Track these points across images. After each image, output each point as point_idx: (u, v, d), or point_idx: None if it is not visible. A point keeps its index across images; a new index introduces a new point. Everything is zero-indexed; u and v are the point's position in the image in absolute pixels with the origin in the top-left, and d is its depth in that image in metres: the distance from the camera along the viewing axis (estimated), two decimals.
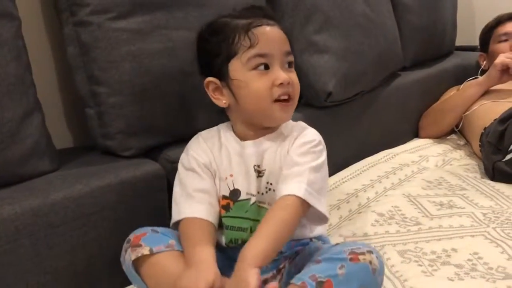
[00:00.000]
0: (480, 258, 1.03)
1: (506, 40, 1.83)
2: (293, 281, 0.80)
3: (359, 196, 1.35)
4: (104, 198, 1.01)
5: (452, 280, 0.96)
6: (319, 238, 1.00)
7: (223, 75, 0.92)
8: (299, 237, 0.96)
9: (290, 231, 0.86)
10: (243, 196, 0.94)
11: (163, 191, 1.09)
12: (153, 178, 1.08)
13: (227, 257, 0.95)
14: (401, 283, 0.97)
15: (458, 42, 2.20)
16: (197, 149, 0.97)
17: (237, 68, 0.90)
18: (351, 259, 0.81)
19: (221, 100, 0.95)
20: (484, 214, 1.20)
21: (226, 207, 0.94)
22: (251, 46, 0.89)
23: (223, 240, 0.95)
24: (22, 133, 0.97)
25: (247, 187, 0.94)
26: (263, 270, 0.88)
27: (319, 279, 0.78)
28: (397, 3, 1.83)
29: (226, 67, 0.91)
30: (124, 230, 1.03)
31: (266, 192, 0.94)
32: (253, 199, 0.94)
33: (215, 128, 1.01)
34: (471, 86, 1.75)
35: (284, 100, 0.91)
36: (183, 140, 1.16)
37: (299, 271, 0.87)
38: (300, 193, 0.86)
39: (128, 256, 0.88)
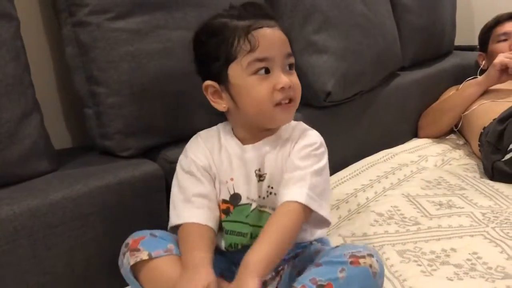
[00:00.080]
0: (479, 258, 1.03)
1: (505, 40, 1.83)
2: (294, 284, 0.80)
3: (358, 196, 1.35)
4: (102, 198, 1.01)
5: (451, 280, 0.96)
6: (319, 240, 1.00)
7: (222, 79, 0.90)
8: (299, 241, 0.96)
9: (293, 238, 0.85)
10: (243, 200, 0.93)
11: (161, 191, 1.09)
12: (152, 178, 1.08)
13: (227, 260, 0.95)
14: (400, 283, 0.97)
15: (457, 42, 2.20)
16: (196, 152, 0.95)
17: (236, 72, 0.88)
18: (351, 263, 0.81)
19: (221, 104, 0.92)
20: (483, 214, 1.20)
21: (226, 211, 0.93)
22: (251, 50, 0.86)
23: (223, 244, 0.95)
24: (20, 133, 0.97)
25: (248, 191, 0.93)
26: None
27: (319, 283, 0.79)
28: (396, 3, 1.83)
29: (225, 71, 0.88)
30: (123, 230, 1.03)
31: (267, 196, 0.93)
32: (254, 205, 0.93)
33: (214, 128, 0.99)
34: (470, 86, 1.75)
35: (285, 104, 0.89)
36: (182, 140, 1.16)
37: (299, 273, 0.88)
38: (302, 198, 0.85)
39: (126, 261, 0.88)
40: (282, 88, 0.87)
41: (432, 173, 1.48)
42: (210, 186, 0.93)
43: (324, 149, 0.93)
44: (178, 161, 0.97)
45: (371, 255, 0.83)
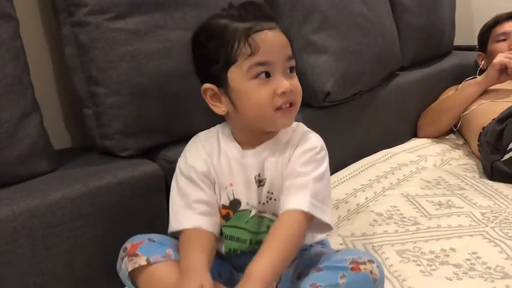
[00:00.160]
0: (478, 257, 1.03)
1: (504, 40, 1.83)
2: None
3: (357, 196, 1.35)
4: (102, 199, 1.01)
5: (451, 280, 0.96)
6: (319, 242, 0.99)
7: (221, 82, 0.88)
8: None
9: (296, 247, 0.84)
10: (243, 206, 0.92)
11: (161, 191, 1.09)
12: (152, 178, 1.08)
13: (226, 263, 0.95)
14: (400, 283, 0.97)
15: (457, 42, 2.20)
16: (195, 157, 0.93)
17: (236, 76, 0.86)
18: (352, 269, 0.81)
19: (220, 107, 0.90)
20: (482, 214, 1.20)
21: (226, 217, 0.92)
22: (251, 54, 0.84)
23: (223, 249, 0.94)
24: (20, 133, 0.97)
25: (248, 197, 0.92)
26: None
27: None
28: (396, 3, 1.83)
29: (225, 74, 0.86)
30: (123, 230, 1.03)
31: (267, 201, 0.92)
32: (253, 211, 0.92)
33: (213, 129, 0.97)
34: (470, 86, 1.75)
35: (286, 108, 0.87)
36: (181, 140, 1.16)
37: (299, 276, 0.88)
38: (305, 207, 0.84)
39: (124, 266, 0.87)
40: (283, 93, 0.85)
41: (432, 173, 1.48)
42: (210, 192, 0.92)
43: (325, 153, 0.92)
44: (177, 164, 0.95)
45: (371, 261, 0.83)
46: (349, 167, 1.53)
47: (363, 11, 1.58)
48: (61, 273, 0.96)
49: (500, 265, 1.00)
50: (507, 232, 1.11)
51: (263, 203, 0.92)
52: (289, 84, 0.86)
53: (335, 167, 1.49)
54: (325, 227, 0.90)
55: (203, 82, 0.91)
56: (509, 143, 1.40)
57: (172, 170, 1.10)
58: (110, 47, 1.06)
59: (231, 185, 0.92)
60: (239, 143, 0.93)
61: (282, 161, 0.91)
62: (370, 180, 1.44)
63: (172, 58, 1.12)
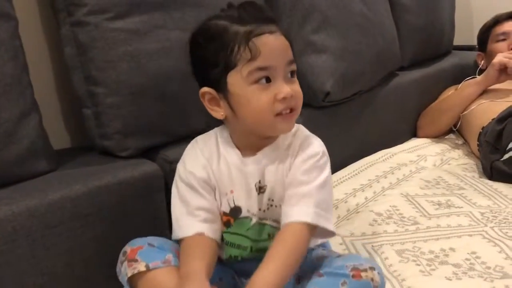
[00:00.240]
0: (478, 257, 1.03)
1: (504, 40, 1.83)
2: None
3: (357, 195, 1.35)
4: (101, 199, 1.00)
5: (450, 280, 0.96)
6: (319, 244, 0.98)
7: (220, 87, 0.85)
8: None
9: (300, 258, 0.83)
10: (244, 213, 0.90)
11: (161, 191, 1.09)
12: (151, 178, 1.08)
13: (227, 268, 0.94)
14: (399, 283, 0.97)
15: (456, 42, 2.20)
16: (194, 163, 0.91)
17: (236, 81, 0.83)
18: (353, 276, 0.80)
19: (218, 112, 0.88)
20: (482, 214, 1.20)
21: (226, 224, 0.91)
22: (252, 59, 0.81)
23: (223, 255, 0.93)
24: (19, 133, 0.97)
25: (248, 204, 0.90)
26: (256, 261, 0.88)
27: None
28: (395, 2, 1.83)
29: (224, 78, 0.84)
30: (122, 230, 1.03)
31: (268, 208, 0.91)
32: (254, 219, 0.90)
33: (212, 133, 0.95)
34: (469, 86, 1.75)
35: (286, 113, 0.85)
36: (180, 140, 1.16)
37: (299, 279, 0.88)
38: (310, 218, 0.83)
39: (124, 270, 0.87)
40: (284, 98, 0.83)
41: (431, 172, 1.48)
42: (211, 198, 0.90)
43: (326, 158, 0.90)
44: (177, 170, 0.93)
45: (372, 268, 0.82)
46: (348, 167, 1.53)
47: (363, 11, 1.58)
48: (60, 273, 0.96)
49: (499, 264, 1.00)
50: (507, 232, 1.11)
51: (264, 210, 0.91)
52: (289, 89, 0.84)
53: (334, 167, 1.48)
54: (329, 233, 0.89)
55: (201, 85, 0.89)
56: (509, 143, 1.40)
57: (172, 170, 1.10)
58: (110, 47, 1.06)
59: (231, 192, 0.90)
60: (238, 148, 0.91)
61: (282, 167, 0.89)
62: (369, 180, 1.44)
63: (172, 58, 1.12)
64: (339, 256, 0.91)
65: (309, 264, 0.88)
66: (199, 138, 0.95)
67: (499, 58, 1.68)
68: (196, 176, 0.89)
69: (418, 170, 1.50)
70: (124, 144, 1.11)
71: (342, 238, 1.14)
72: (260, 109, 0.83)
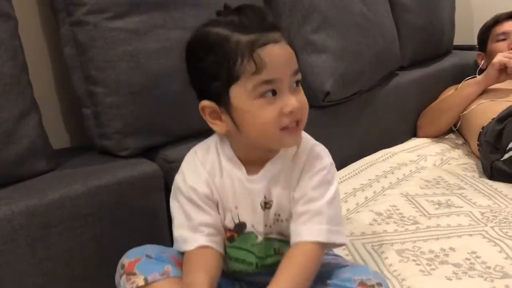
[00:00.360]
0: (478, 257, 1.02)
1: (504, 40, 1.83)
2: None
3: (357, 195, 1.35)
4: (101, 198, 1.00)
5: (450, 280, 0.96)
6: None
7: (222, 101, 0.80)
8: None
9: (312, 276, 0.81)
10: (248, 228, 0.87)
11: (160, 191, 1.09)
12: (151, 178, 1.08)
13: (232, 281, 0.93)
14: (399, 283, 0.97)
15: (456, 42, 2.20)
16: (195, 178, 0.86)
17: (240, 95, 0.78)
18: None
19: (220, 126, 0.83)
20: (482, 213, 1.20)
21: (230, 239, 0.88)
22: (256, 72, 0.76)
23: (227, 268, 0.91)
24: (18, 133, 0.97)
25: (253, 220, 0.87)
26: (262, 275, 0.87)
27: None
28: (395, 2, 1.83)
29: (226, 92, 0.79)
30: (122, 230, 1.03)
31: (274, 223, 0.88)
32: (260, 237, 0.88)
33: (211, 144, 0.89)
34: (469, 85, 1.75)
35: (292, 127, 0.80)
36: (180, 140, 1.16)
37: None
38: (323, 237, 0.81)
39: (123, 285, 0.85)
40: (291, 112, 0.78)
41: (431, 172, 1.48)
42: (215, 214, 0.86)
43: (334, 168, 0.87)
44: (175, 182, 0.88)
45: (380, 285, 0.81)
46: (348, 166, 1.53)
47: (363, 11, 1.58)
48: (60, 272, 0.96)
49: (499, 264, 0.99)
50: (507, 232, 1.11)
51: (270, 226, 0.88)
52: (296, 102, 0.79)
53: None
54: (340, 244, 0.87)
55: (201, 97, 0.84)
56: (509, 143, 1.40)
57: (171, 169, 1.10)
58: (109, 46, 1.06)
59: (235, 208, 0.87)
60: (241, 160, 0.86)
61: (289, 181, 0.86)
62: (369, 179, 1.44)
63: (171, 57, 1.11)
64: (346, 265, 0.89)
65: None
66: (198, 149, 0.90)
67: (499, 58, 1.68)
68: (199, 191, 0.85)
69: (418, 170, 1.49)
70: (123, 144, 1.11)
71: None
72: (265, 124, 0.79)
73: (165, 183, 1.10)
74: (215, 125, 0.84)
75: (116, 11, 1.06)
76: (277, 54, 0.78)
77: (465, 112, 1.72)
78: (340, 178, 1.45)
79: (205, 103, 0.82)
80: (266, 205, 0.87)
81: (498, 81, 1.70)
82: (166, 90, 1.12)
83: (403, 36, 1.83)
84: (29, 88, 1.01)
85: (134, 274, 0.84)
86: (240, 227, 0.87)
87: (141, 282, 0.83)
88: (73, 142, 1.24)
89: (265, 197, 0.86)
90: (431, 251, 1.06)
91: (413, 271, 1.00)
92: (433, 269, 1.00)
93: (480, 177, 1.46)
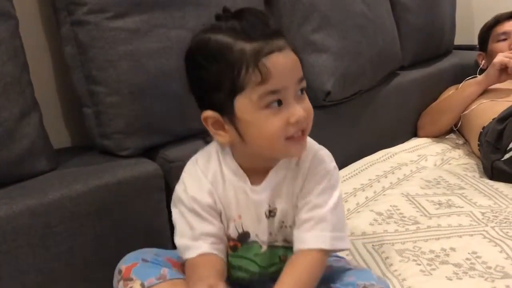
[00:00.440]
0: (478, 257, 1.02)
1: (504, 39, 1.83)
2: None
3: (357, 195, 1.35)
4: (101, 198, 1.00)
5: (451, 280, 0.96)
6: None
7: (225, 111, 0.78)
8: None
9: (315, 283, 0.81)
10: (252, 237, 0.86)
11: (161, 190, 1.09)
12: (151, 177, 1.08)
13: (232, 284, 0.92)
14: (400, 283, 0.97)
15: (457, 42, 2.20)
16: (198, 189, 0.84)
17: (244, 106, 0.75)
18: None
19: (224, 136, 0.80)
20: (482, 213, 1.20)
21: (233, 248, 0.88)
22: (262, 82, 0.74)
23: (229, 276, 0.89)
24: (19, 132, 0.96)
25: (257, 229, 0.86)
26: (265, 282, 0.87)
27: None
28: (396, 2, 1.83)
29: (230, 103, 0.76)
30: (122, 230, 1.03)
31: (278, 230, 0.87)
32: (264, 247, 0.87)
33: (212, 152, 0.86)
34: (470, 85, 1.75)
35: (298, 136, 0.79)
36: (181, 139, 1.16)
37: None
38: (327, 245, 0.81)
39: None
40: (297, 122, 0.76)
41: (432, 172, 1.48)
42: (218, 223, 0.85)
43: (337, 172, 0.86)
44: (176, 192, 0.86)
45: None
46: (349, 166, 1.53)
47: (363, 11, 1.58)
48: (60, 272, 0.96)
49: (500, 264, 0.99)
50: (507, 232, 1.10)
51: (275, 234, 0.87)
52: (302, 111, 0.77)
53: None
54: (343, 249, 0.87)
55: (202, 106, 0.81)
56: (510, 143, 1.40)
57: (172, 169, 1.11)
58: (110, 46, 1.06)
59: (239, 217, 0.85)
60: (243, 169, 0.84)
61: (293, 188, 0.85)
62: (370, 179, 1.44)
63: (172, 57, 1.11)
64: (349, 269, 0.89)
65: None
66: (199, 158, 0.87)
67: (499, 58, 1.68)
68: (201, 202, 0.83)
69: (418, 170, 1.49)
70: (124, 144, 1.11)
71: None
72: (271, 134, 0.76)
73: (165, 183, 1.09)
74: (219, 135, 0.81)
75: (117, 11, 1.06)
76: (282, 63, 0.75)
77: (466, 112, 1.72)
78: (340, 178, 1.45)
79: (208, 113, 0.79)
80: (271, 213, 0.85)
81: (498, 81, 1.70)
82: (167, 90, 1.12)
83: (403, 36, 1.83)
84: (30, 88, 1.01)
85: (131, 279, 0.84)
86: (244, 236, 0.86)
87: (138, 287, 0.83)
88: (73, 142, 1.24)
89: (269, 205, 0.85)
90: (431, 251, 1.06)
91: (414, 271, 1.00)
92: (434, 269, 1.00)
93: (481, 177, 1.46)
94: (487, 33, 1.90)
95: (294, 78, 0.77)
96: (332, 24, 1.48)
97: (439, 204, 1.26)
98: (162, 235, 1.08)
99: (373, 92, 1.67)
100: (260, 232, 0.86)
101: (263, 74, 0.73)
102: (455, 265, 1.00)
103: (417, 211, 1.24)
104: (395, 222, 1.19)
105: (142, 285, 0.83)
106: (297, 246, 0.82)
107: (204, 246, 0.82)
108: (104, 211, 1.01)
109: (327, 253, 0.83)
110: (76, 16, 1.05)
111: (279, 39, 0.76)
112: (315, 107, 1.43)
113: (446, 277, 0.97)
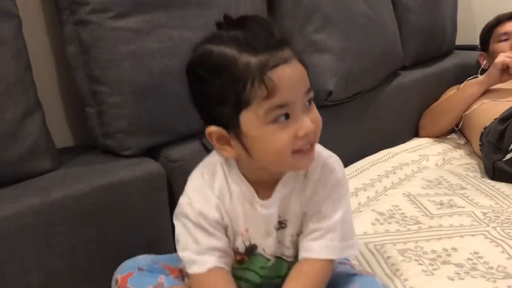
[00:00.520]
0: (480, 257, 1.03)
1: (506, 40, 1.83)
2: None
3: (359, 195, 1.36)
4: (104, 197, 1.01)
5: (453, 280, 0.96)
6: None
7: (230, 126, 0.75)
8: None
9: None
10: (259, 250, 0.85)
11: (163, 190, 1.09)
12: (154, 177, 1.08)
13: None
14: (402, 283, 0.97)
15: (458, 42, 2.20)
16: (205, 204, 0.81)
17: (250, 121, 0.72)
18: None
19: (230, 152, 0.78)
20: (484, 214, 1.20)
21: (240, 261, 0.86)
22: (268, 96, 0.70)
23: None
24: (22, 132, 0.97)
25: (265, 242, 0.84)
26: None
27: None
28: (398, 2, 1.83)
29: (236, 118, 0.73)
30: (124, 229, 1.03)
31: (290, 242, 0.85)
32: (272, 260, 0.85)
33: (218, 167, 0.83)
34: (471, 85, 1.75)
35: (306, 149, 0.76)
36: (183, 139, 1.16)
37: None
38: (334, 255, 0.81)
39: None
40: (305, 135, 0.74)
41: (433, 172, 1.48)
42: (223, 238, 0.82)
43: (346, 180, 0.85)
44: (181, 206, 0.82)
45: None
46: (350, 166, 1.53)
47: (365, 11, 1.58)
48: (63, 271, 0.96)
49: (502, 265, 1.00)
50: (509, 232, 1.11)
51: (287, 246, 0.85)
52: (310, 123, 0.74)
53: None
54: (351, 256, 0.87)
55: (205, 119, 0.78)
56: (511, 143, 1.40)
57: (174, 169, 1.11)
58: (112, 45, 1.06)
59: (246, 231, 0.83)
60: (250, 182, 0.81)
61: (301, 198, 0.82)
62: (371, 179, 1.44)
63: (174, 56, 1.12)
64: (354, 274, 0.88)
65: None
66: (205, 170, 0.83)
67: (501, 58, 1.68)
68: (208, 217, 0.80)
69: (420, 170, 1.49)
70: (126, 143, 1.11)
71: None
72: (279, 149, 0.73)
73: (168, 183, 1.10)
74: (225, 151, 0.78)
75: (119, 11, 1.07)
76: (288, 76, 0.72)
77: (467, 112, 1.72)
78: None
79: (212, 128, 0.76)
80: (281, 224, 0.84)
81: (500, 81, 1.70)
82: (169, 90, 1.12)
83: (405, 36, 1.83)
84: (33, 88, 1.01)
85: None
86: (252, 249, 0.85)
87: None
88: (76, 141, 1.24)
89: (279, 216, 0.83)
90: (433, 251, 1.06)
91: (416, 271, 1.00)
92: (436, 269, 1.00)
93: (482, 177, 1.46)
94: (488, 33, 1.90)
95: (301, 91, 0.74)
96: (334, 24, 1.49)
97: (441, 204, 1.27)
98: (164, 235, 1.08)
99: (375, 92, 1.68)
100: (267, 245, 0.84)
101: (269, 88, 0.70)
102: (457, 265, 1.00)
103: (418, 211, 1.24)
104: (396, 222, 1.19)
105: None
106: (303, 254, 0.81)
107: (211, 261, 0.79)
108: (107, 210, 1.01)
109: (334, 261, 0.82)
110: (78, 15, 1.05)
111: (285, 49, 0.73)
112: (317, 107, 1.46)
113: (448, 277, 0.97)
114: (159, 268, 0.87)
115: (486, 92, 1.73)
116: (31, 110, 0.99)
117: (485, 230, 1.12)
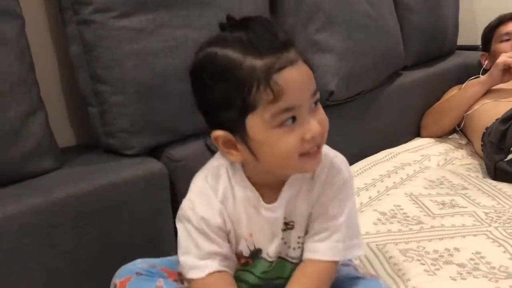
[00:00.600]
0: (482, 257, 1.03)
1: (508, 40, 1.83)
2: None
3: (361, 195, 1.36)
4: (106, 197, 1.01)
5: (455, 280, 0.96)
6: None
7: (236, 130, 0.73)
8: None
9: None
10: (263, 253, 0.84)
11: (165, 189, 1.09)
12: (156, 176, 1.08)
13: None
14: (404, 282, 0.97)
15: (460, 42, 2.20)
16: (208, 210, 0.79)
17: (257, 125, 0.71)
18: None
19: (236, 156, 0.76)
20: (486, 214, 1.20)
21: (245, 264, 0.85)
22: (274, 100, 0.69)
23: None
24: (25, 131, 0.97)
25: (270, 245, 0.83)
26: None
27: None
28: (399, 2, 1.83)
29: (242, 122, 0.72)
30: (127, 228, 1.03)
31: (295, 243, 0.84)
32: (274, 262, 0.85)
33: (222, 170, 0.81)
34: (473, 86, 1.75)
35: (313, 152, 0.75)
36: (186, 138, 1.16)
37: None
38: (339, 256, 0.80)
39: None
40: (312, 138, 0.72)
41: (435, 172, 1.48)
42: (225, 244, 0.81)
43: (352, 180, 0.84)
44: (184, 210, 0.81)
45: None
46: (352, 166, 1.53)
47: (367, 11, 1.58)
48: (65, 270, 0.96)
49: (504, 265, 1.00)
50: (511, 232, 1.11)
51: (294, 248, 0.84)
52: (318, 125, 0.73)
53: None
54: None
55: (210, 123, 0.77)
56: None
57: (177, 168, 1.11)
58: (115, 45, 1.06)
59: (250, 235, 0.82)
60: (255, 185, 0.80)
61: (308, 199, 0.82)
62: (373, 179, 1.44)
63: (177, 56, 1.12)
64: (357, 277, 0.87)
65: None
66: (209, 174, 0.82)
67: (503, 58, 1.68)
68: (211, 223, 0.79)
69: (422, 170, 1.50)
70: (129, 143, 1.11)
71: None
72: (285, 153, 0.72)
73: (170, 182, 1.10)
74: (231, 155, 0.77)
75: (122, 10, 1.07)
76: (294, 78, 0.70)
77: (469, 112, 1.72)
78: None
79: (218, 133, 0.75)
80: (287, 225, 0.83)
81: (502, 81, 1.70)
82: (172, 89, 1.12)
83: (407, 36, 1.83)
84: (36, 87, 1.01)
85: None
86: (256, 252, 0.84)
87: None
88: (79, 141, 1.24)
89: (285, 217, 0.82)
90: (435, 251, 1.06)
91: (418, 271, 1.00)
92: (438, 269, 1.00)
93: (484, 177, 1.46)
94: (490, 33, 1.90)
95: (308, 93, 0.72)
96: (336, 24, 1.49)
97: (443, 204, 1.27)
98: (166, 234, 1.08)
99: (376, 92, 1.68)
100: (271, 248, 0.83)
101: (275, 92, 0.69)
102: (459, 265, 1.01)
103: (420, 211, 1.24)
104: (398, 222, 1.19)
105: None
106: (308, 255, 0.81)
107: (213, 265, 0.79)
108: (109, 209, 1.01)
109: (338, 262, 0.82)
110: (81, 15, 1.05)
111: (290, 50, 0.71)
112: None
113: (450, 277, 0.97)
114: (157, 272, 0.87)
115: (487, 92, 1.73)
116: (34, 109, 0.99)
117: (487, 230, 1.12)
